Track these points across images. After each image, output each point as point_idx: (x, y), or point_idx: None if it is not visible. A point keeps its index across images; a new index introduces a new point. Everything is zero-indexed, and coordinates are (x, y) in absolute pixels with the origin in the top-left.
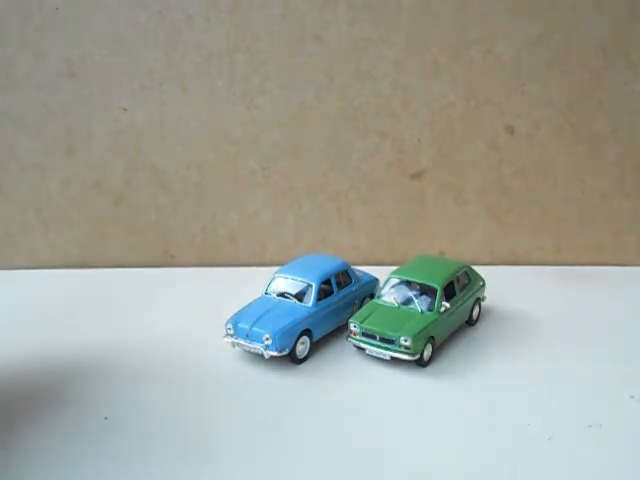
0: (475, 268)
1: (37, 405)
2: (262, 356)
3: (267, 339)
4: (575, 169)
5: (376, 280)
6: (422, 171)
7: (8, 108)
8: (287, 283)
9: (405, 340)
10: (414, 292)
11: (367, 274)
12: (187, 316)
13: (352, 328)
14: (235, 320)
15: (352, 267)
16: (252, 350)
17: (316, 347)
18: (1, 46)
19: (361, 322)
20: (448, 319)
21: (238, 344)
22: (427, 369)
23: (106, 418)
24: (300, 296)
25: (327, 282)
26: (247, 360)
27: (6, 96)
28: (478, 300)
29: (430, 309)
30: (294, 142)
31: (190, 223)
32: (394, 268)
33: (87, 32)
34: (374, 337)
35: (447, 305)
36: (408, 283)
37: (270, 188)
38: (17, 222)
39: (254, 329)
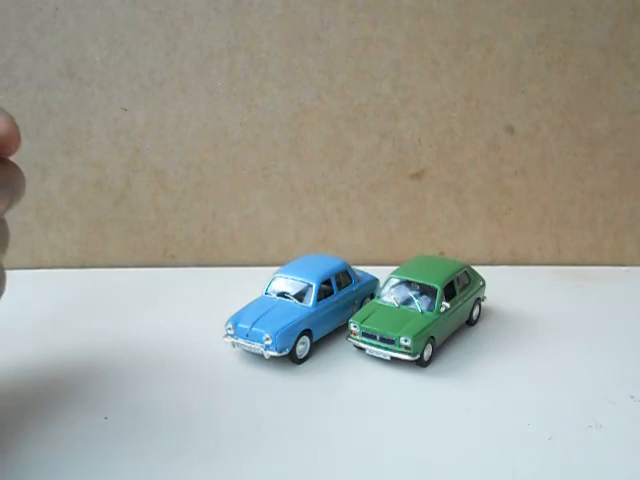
0: (475, 268)
1: (36, 404)
2: (262, 356)
3: (267, 339)
4: (575, 169)
5: (376, 280)
6: (422, 171)
7: (8, 108)
8: (287, 283)
9: (405, 340)
10: (414, 292)
11: (367, 274)
12: (187, 316)
13: (352, 328)
14: (235, 320)
15: (352, 267)
16: (252, 350)
17: (316, 347)
18: (1, 46)
19: (361, 322)
20: (448, 319)
21: (238, 344)
22: (427, 369)
23: (106, 418)
24: (300, 296)
25: (327, 282)
26: (247, 360)
27: (6, 96)
28: (478, 300)
29: (430, 309)
30: (294, 142)
31: (190, 223)
32: (394, 268)
33: (87, 32)
34: (374, 337)
35: (447, 305)
36: (408, 283)
37: (270, 188)
38: (17, 222)
39: (254, 329)
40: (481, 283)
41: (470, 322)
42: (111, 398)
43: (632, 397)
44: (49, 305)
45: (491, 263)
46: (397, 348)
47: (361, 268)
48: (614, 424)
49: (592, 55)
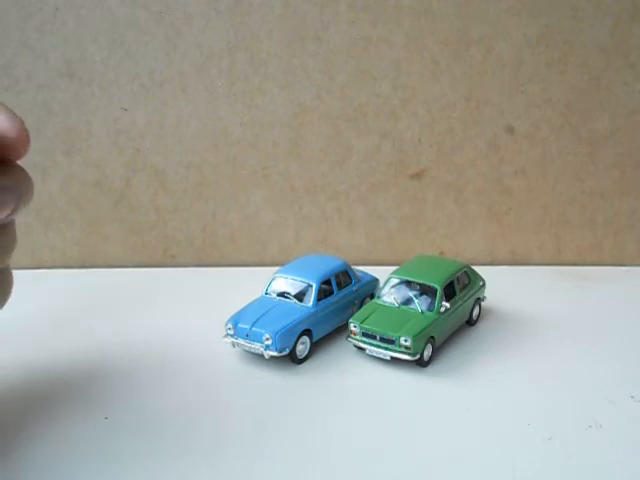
0: (475, 268)
1: (37, 405)
2: (262, 356)
3: (267, 339)
4: (575, 169)
5: (376, 280)
6: (422, 171)
7: None
8: (287, 283)
9: (405, 340)
10: (414, 292)
11: (367, 274)
12: (187, 316)
13: (352, 328)
14: (235, 320)
15: (352, 267)
16: (252, 350)
17: (316, 347)
18: (1, 46)
19: (361, 322)
20: (448, 319)
21: (238, 344)
22: (427, 369)
23: (106, 418)
24: (300, 296)
25: (327, 282)
26: (247, 360)
27: (6, 96)
28: (478, 300)
29: (430, 309)
30: (294, 142)
31: (190, 223)
32: (394, 268)
33: (87, 32)
34: (374, 337)
35: (447, 305)
36: (408, 283)
37: (270, 188)
38: (17, 222)
39: (254, 329)
40: (481, 283)
41: (470, 322)
42: (111, 398)
43: (632, 397)
44: (49, 305)
45: (491, 263)
46: (397, 348)
47: (361, 268)
48: (614, 424)
49: (592, 55)
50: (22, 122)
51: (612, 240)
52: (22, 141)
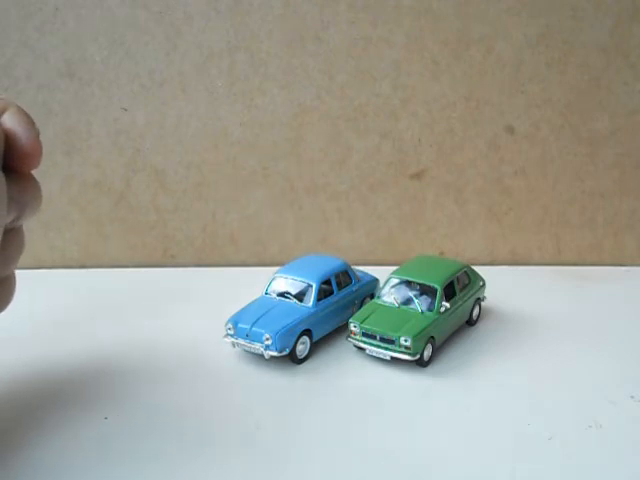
0: (475, 268)
1: (38, 405)
2: (262, 356)
3: (267, 339)
4: (575, 169)
5: (376, 280)
6: (422, 171)
7: None
8: (287, 283)
9: (405, 340)
10: (414, 292)
11: (367, 274)
12: (187, 316)
13: (352, 328)
14: (235, 320)
15: (352, 267)
16: (252, 350)
17: (316, 347)
18: (1, 46)
19: (361, 322)
20: (448, 319)
21: (238, 344)
22: (427, 369)
23: (106, 418)
24: (300, 296)
25: (327, 282)
26: (247, 360)
27: (6, 96)
28: (478, 300)
29: (430, 309)
30: (294, 142)
31: (190, 223)
32: (394, 268)
33: (87, 32)
34: (374, 337)
35: (447, 305)
36: (408, 283)
37: (270, 188)
38: None
39: (254, 329)
40: (481, 283)
41: (470, 322)
42: (111, 398)
43: (632, 397)
44: (49, 305)
45: (491, 263)
46: (397, 348)
47: (361, 268)
48: (614, 424)
49: (592, 55)
50: (38, 134)
51: (612, 240)
52: (37, 155)
